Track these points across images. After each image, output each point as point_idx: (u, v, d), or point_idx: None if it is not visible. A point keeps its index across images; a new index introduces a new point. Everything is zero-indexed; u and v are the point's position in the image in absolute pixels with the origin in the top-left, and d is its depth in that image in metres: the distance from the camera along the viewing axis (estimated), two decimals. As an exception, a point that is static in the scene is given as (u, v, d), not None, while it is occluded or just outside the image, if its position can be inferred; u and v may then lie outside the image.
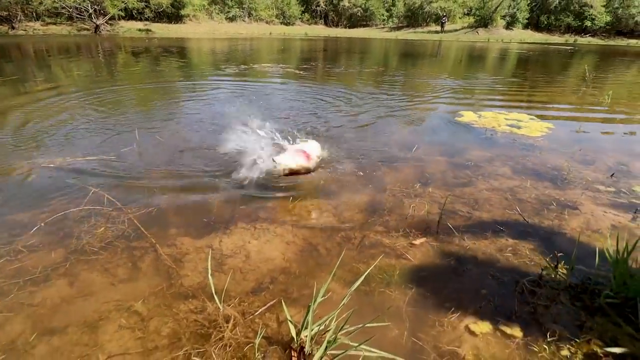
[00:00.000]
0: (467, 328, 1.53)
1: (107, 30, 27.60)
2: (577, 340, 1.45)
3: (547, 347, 1.43)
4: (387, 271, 1.88)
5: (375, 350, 1.33)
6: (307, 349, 1.33)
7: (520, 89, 7.70)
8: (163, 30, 29.77)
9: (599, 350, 1.40)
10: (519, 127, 4.48)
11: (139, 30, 28.76)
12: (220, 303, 1.60)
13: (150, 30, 28.86)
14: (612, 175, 3.08)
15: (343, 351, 1.33)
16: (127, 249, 2.05)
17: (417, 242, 2.13)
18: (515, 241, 2.15)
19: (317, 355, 1.29)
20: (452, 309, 1.63)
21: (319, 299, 1.43)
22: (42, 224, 2.24)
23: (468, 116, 4.99)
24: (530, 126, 4.52)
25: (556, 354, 1.40)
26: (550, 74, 10.65)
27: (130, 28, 28.88)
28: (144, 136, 3.88)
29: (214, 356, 1.36)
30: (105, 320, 1.59)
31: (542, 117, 5.00)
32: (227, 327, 1.53)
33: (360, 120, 4.71)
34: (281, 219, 2.37)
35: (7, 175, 2.92)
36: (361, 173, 3.08)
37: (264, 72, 9.31)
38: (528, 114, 5.13)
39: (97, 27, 26.95)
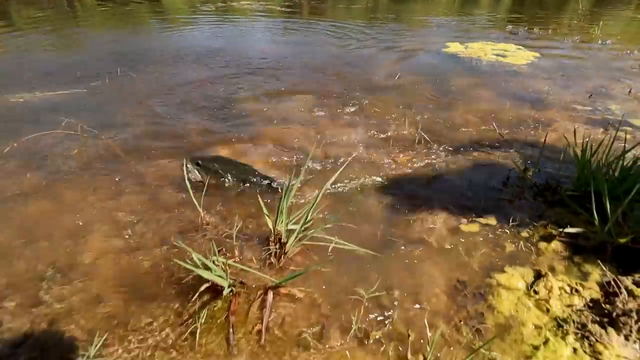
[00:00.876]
0: (434, 221, 1.64)
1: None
2: (535, 224, 1.58)
3: (508, 231, 1.55)
4: (365, 184, 1.95)
5: (344, 243, 1.41)
6: (283, 238, 1.42)
7: (511, 23, 7.49)
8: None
9: (554, 232, 1.53)
10: (504, 56, 4.43)
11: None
12: (201, 209, 1.66)
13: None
14: (590, 97, 3.13)
15: (316, 242, 1.43)
16: (105, 170, 2.07)
17: (399, 158, 2.19)
18: (489, 153, 2.23)
19: (290, 241, 1.38)
20: (425, 208, 1.73)
21: (292, 196, 1.49)
22: (15, 144, 2.22)
23: (454, 47, 4.89)
24: (517, 55, 4.48)
25: (517, 236, 1.53)
26: (545, 9, 10.31)
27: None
28: (116, 74, 3.73)
29: (197, 248, 1.44)
30: (89, 229, 1.65)
31: (529, 47, 4.93)
32: (208, 228, 1.60)
33: (348, 54, 4.58)
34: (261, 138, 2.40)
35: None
36: (348, 97, 3.07)
37: (243, 11, 8.78)
38: (515, 44, 5.04)
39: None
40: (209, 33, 5.80)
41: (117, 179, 1.98)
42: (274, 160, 2.16)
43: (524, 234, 1.54)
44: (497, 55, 4.49)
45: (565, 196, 1.70)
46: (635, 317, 1.11)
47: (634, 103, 3.04)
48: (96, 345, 1.09)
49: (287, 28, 6.40)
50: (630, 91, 3.28)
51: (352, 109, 2.87)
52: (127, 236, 1.60)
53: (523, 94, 3.24)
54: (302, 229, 1.39)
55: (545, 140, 2.06)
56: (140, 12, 7.66)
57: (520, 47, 4.91)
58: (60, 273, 1.44)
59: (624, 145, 1.74)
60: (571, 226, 1.55)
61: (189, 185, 1.62)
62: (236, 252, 1.40)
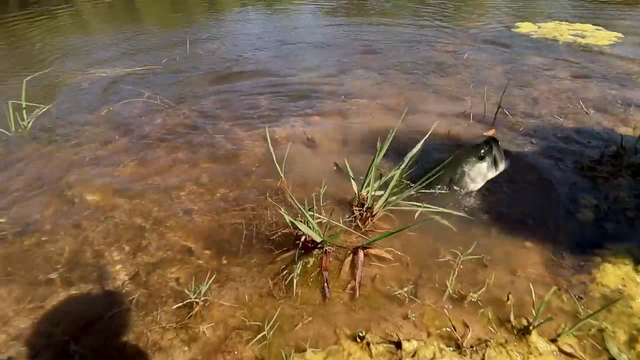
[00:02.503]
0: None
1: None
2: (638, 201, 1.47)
3: (607, 208, 1.46)
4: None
5: (432, 207, 1.40)
6: (367, 203, 1.44)
7: (583, 4, 6.89)
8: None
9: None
10: (583, 37, 4.09)
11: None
12: (282, 172, 1.72)
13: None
14: (688, 77, 2.83)
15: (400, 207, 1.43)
16: (186, 137, 2.20)
17: (490, 132, 2.12)
18: (575, 130, 2.10)
19: (379, 204, 1.40)
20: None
21: (379, 159, 1.50)
22: (110, 108, 2.44)
23: (526, 27, 4.60)
24: (596, 35, 4.12)
25: (617, 213, 1.43)
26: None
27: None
28: (185, 50, 3.93)
29: (282, 210, 1.48)
30: (178, 189, 1.78)
31: (610, 27, 4.52)
32: (288, 191, 1.66)
33: (409, 36, 4.47)
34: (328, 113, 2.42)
35: (65, 85, 3.10)
36: (420, 75, 3.02)
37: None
38: (593, 25, 4.64)
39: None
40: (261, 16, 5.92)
41: (198, 145, 2.11)
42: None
43: (627, 211, 1.44)
44: (575, 35, 4.16)
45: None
46: None
47: None
48: (206, 284, 1.18)
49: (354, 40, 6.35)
50: None
51: (427, 88, 2.81)
52: (212, 197, 1.71)
53: (608, 74, 2.99)
54: (389, 194, 1.40)
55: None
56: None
57: (599, 27, 4.51)
58: (156, 227, 1.56)
59: None
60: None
61: (271, 148, 1.69)
62: (322, 212, 1.44)
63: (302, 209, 1.27)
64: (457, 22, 5.12)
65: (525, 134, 2.09)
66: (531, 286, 1.09)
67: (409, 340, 0.99)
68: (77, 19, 5.97)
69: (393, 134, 1.52)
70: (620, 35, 4.17)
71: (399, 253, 1.30)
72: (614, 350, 0.96)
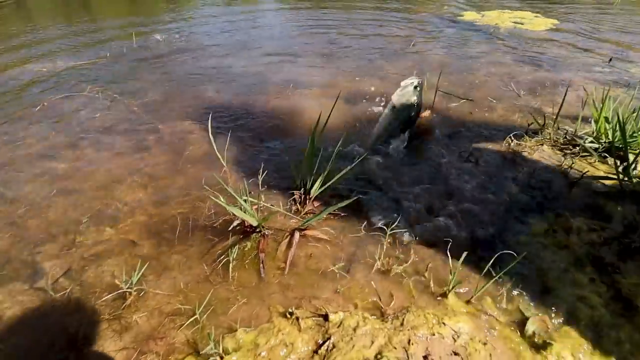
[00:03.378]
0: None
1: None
2: (556, 171, 1.60)
3: (532, 179, 1.57)
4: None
5: (365, 190, 1.45)
6: (308, 185, 1.47)
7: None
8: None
9: (572, 179, 1.55)
10: (522, 24, 4.31)
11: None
12: (224, 162, 1.71)
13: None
14: (609, 61, 3.06)
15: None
16: (129, 129, 2.12)
17: (423, 114, 2.19)
18: (506, 111, 2.22)
19: (315, 187, 1.43)
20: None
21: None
22: (45, 104, 2.30)
23: (470, 15, 4.77)
24: (534, 22, 4.36)
25: (537, 182, 1.55)
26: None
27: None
28: (131, 46, 3.75)
29: (221, 198, 1.48)
30: (117, 182, 1.72)
31: (547, 14, 4.78)
32: (232, 179, 1.66)
33: (362, 25, 4.51)
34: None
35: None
36: (364, 62, 3.06)
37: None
38: (532, 12, 4.90)
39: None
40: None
41: (140, 137, 2.04)
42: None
43: (545, 180, 1.56)
44: (515, 22, 4.37)
45: (588, 146, 1.71)
46: (654, 251, 1.14)
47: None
48: (137, 274, 1.16)
49: (304, 15, 6.29)
50: (652, 53, 3.19)
51: (371, 77, 2.86)
52: (154, 188, 1.67)
53: (541, 57, 3.18)
54: (328, 175, 1.44)
55: (564, 98, 2.04)
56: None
57: (538, 15, 4.76)
58: (94, 221, 1.51)
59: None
60: (591, 174, 1.56)
61: (212, 139, 1.67)
62: (262, 199, 1.45)
63: (235, 195, 1.27)
64: (409, 11, 5.21)
65: (461, 116, 2.19)
66: (449, 254, 1.16)
67: (336, 312, 1.04)
68: (21, 10, 5.54)
69: (328, 120, 1.54)
70: (555, 21, 4.43)
71: (333, 232, 1.34)
72: (524, 308, 1.05)
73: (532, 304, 1.05)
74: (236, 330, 1.02)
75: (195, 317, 1.06)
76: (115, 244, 1.40)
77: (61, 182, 1.73)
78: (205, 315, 1.07)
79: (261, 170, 1.52)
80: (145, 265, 1.22)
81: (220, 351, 0.97)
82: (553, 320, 1.00)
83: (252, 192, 1.40)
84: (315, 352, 0.95)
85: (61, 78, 2.86)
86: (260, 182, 1.53)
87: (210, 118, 1.90)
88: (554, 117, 1.96)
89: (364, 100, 2.41)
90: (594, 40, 3.69)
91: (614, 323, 0.99)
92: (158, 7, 6.12)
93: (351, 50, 3.46)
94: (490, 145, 1.85)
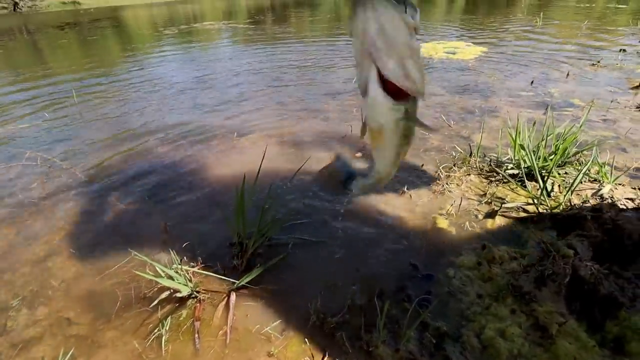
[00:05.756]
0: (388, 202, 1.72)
1: (28, 7, 24.65)
2: (481, 202, 1.68)
3: (457, 213, 1.64)
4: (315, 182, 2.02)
5: (303, 237, 1.47)
6: (244, 240, 1.46)
7: (462, 24, 7.83)
8: (92, 0, 26.94)
9: (496, 207, 1.63)
10: (454, 53, 4.64)
11: (63, 3, 25.91)
12: (163, 222, 1.68)
13: (77, 2, 26.10)
14: (532, 83, 3.33)
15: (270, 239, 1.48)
16: (68, 199, 2.05)
17: (358, 154, 2.27)
18: (440, 142, 2.35)
19: (250, 243, 1.43)
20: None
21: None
22: None
23: (409, 49, 5.07)
24: (466, 51, 4.70)
25: (464, 216, 1.62)
26: (495, 7, 10.83)
27: (52, 1, 25.94)
28: (78, 105, 3.70)
29: (159, 260, 1.44)
30: (55, 255, 1.64)
31: (478, 43, 5.18)
32: (169, 239, 1.62)
33: (311, 65, 4.69)
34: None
35: None
36: (308, 106, 3.15)
37: (207, 31, 8.83)
38: (465, 42, 5.29)
39: (15, 4, 24.02)
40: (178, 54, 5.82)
41: (77, 205, 1.98)
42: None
43: (473, 212, 1.64)
44: (448, 52, 4.70)
45: (506, 175, 1.82)
46: (564, 274, 1.21)
47: (571, 84, 3.25)
48: (66, 357, 1.10)
49: (252, 48, 6.49)
50: (567, 74, 3.50)
51: (312, 115, 2.95)
52: (93, 258, 1.61)
53: (470, 86, 3.42)
54: (262, 228, 1.44)
55: (482, 127, 2.18)
56: (105, 40, 7.58)
57: (470, 43, 5.15)
58: (26, 301, 1.43)
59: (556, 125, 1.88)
60: (511, 201, 1.66)
61: (148, 198, 1.65)
62: (199, 260, 1.43)
63: (158, 265, 1.25)
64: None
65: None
66: (376, 302, 1.19)
67: (268, 378, 1.01)
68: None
69: (258, 174, 1.57)
70: (484, 49, 4.79)
71: (271, 287, 1.34)
72: (449, 348, 1.07)
73: (455, 344, 1.07)
74: (165, 413, 0.98)
75: (122, 403, 1.00)
76: (49, 325, 1.33)
77: (-8, 264, 1.63)
78: (135, 400, 1.02)
79: (198, 228, 1.51)
80: (72, 349, 1.16)
81: None
82: (475, 358, 1.03)
83: (186, 257, 1.38)
84: None
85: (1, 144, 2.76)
86: (197, 243, 1.52)
87: (150, 180, 1.89)
88: (478, 145, 2.09)
89: (308, 143, 2.47)
90: (517, 65, 4.01)
91: (533, 353, 1.03)
92: (110, 58, 6.10)
93: (294, 90, 3.57)
94: (424, 180, 1.94)
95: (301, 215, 1.72)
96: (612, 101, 2.82)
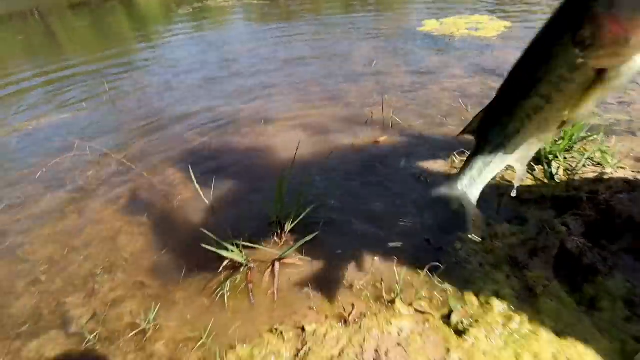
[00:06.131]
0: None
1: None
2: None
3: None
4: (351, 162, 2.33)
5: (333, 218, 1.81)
6: (282, 220, 1.81)
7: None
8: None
9: (502, 190, 1.91)
10: (477, 30, 4.73)
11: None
12: (208, 201, 2.04)
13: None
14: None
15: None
16: (122, 183, 2.45)
17: (381, 139, 2.56)
18: (456, 127, 2.60)
19: (288, 223, 1.78)
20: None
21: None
22: (44, 169, 2.61)
23: (429, 25, 5.18)
24: (489, 27, 4.78)
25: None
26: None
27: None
28: (109, 92, 4.08)
29: (214, 233, 1.81)
30: (120, 233, 2.05)
31: (502, 17, 5.22)
32: (219, 217, 1.99)
33: (327, 45, 4.89)
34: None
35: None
36: (328, 90, 3.43)
37: (222, 9, 9.01)
38: (489, 16, 5.33)
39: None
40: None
41: (131, 189, 2.37)
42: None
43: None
44: (470, 29, 4.79)
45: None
46: (553, 247, 1.50)
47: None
48: (153, 312, 1.49)
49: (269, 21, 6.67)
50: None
51: (333, 100, 3.22)
52: (152, 234, 2.00)
53: (492, 66, 3.58)
54: (298, 209, 1.78)
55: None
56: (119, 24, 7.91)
57: (493, 17, 5.20)
58: (106, 270, 1.83)
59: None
60: (538, 188, 1.94)
61: (195, 181, 2.01)
62: (245, 236, 1.79)
63: (220, 242, 1.61)
64: (375, 25, 5.61)
65: (415, 136, 2.56)
66: (395, 269, 1.52)
67: (310, 324, 1.38)
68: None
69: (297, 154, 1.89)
70: (508, 24, 4.86)
71: (308, 258, 1.69)
72: (452, 303, 1.40)
73: (458, 300, 1.40)
74: (235, 347, 1.36)
75: (202, 341, 1.39)
76: (128, 288, 1.73)
77: (71, 241, 2.05)
78: (210, 339, 1.40)
79: (245, 212, 1.87)
80: (153, 304, 1.55)
81: (224, 365, 1.30)
82: (473, 311, 1.35)
83: (237, 233, 1.74)
84: (296, 356, 1.28)
85: (48, 135, 3.18)
86: (242, 223, 1.88)
87: (190, 168, 2.25)
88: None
89: (334, 130, 2.77)
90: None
91: (521, 308, 1.35)
92: (127, 41, 6.44)
93: (313, 74, 3.82)
94: (438, 165, 2.22)
95: (331, 197, 2.05)
96: (631, 81, 2.96)
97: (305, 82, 3.69)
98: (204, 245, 1.61)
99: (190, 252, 1.83)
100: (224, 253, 1.59)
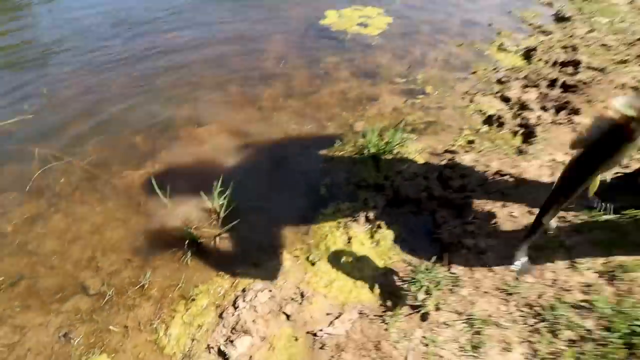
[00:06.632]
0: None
1: None
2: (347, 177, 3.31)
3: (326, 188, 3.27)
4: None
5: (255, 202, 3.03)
6: (218, 210, 2.98)
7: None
8: None
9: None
10: (366, 26, 5.86)
11: None
12: (166, 198, 3.12)
13: None
14: (408, 68, 4.82)
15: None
16: (91, 188, 3.37)
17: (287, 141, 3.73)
18: (335, 129, 3.86)
19: (221, 212, 2.96)
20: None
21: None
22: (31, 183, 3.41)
23: (330, 18, 6.14)
24: (375, 23, 5.92)
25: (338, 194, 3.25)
26: None
27: None
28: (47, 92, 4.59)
29: (169, 223, 2.94)
30: (103, 227, 3.05)
31: (387, 11, 6.36)
32: (174, 210, 3.10)
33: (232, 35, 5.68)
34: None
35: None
36: (241, 90, 4.43)
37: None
38: (378, 7, 6.42)
39: None
40: None
41: (100, 191, 3.32)
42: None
43: (345, 187, 3.27)
44: (360, 24, 5.89)
45: (367, 155, 3.42)
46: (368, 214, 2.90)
47: (435, 70, 4.79)
48: (148, 274, 2.64)
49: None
50: (436, 59, 5.02)
51: (254, 103, 4.27)
52: (128, 226, 3.05)
53: (368, 69, 4.80)
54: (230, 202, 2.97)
55: (363, 115, 3.71)
56: None
57: (381, 11, 6.33)
58: (100, 253, 2.88)
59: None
60: (368, 177, 3.30)
61: (158, 190, 3.06)
62: (196, 221, 2.94)
63: (179, 227, 2.77)
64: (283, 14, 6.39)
65: (308, 137, 3.78)
66: (284, 233, 2.83)
67: (240, 270, 2.65)
68: None
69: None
70: (390, 20, 6.04)
71: (236, 233, 2.92)
72: (312, 250, 2.75)
73: (315, 247, 2.76)
74: (199, 286, 2.58)
75: (179, 285, 2.59)
76: (120, 264, 2.81)
77: (66, 236, 3.01)
78: (183, 284, 2.61)
79: (193, 204, 3.00)
80: (144, 269, 2.69)
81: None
82: (320, 253, 2.72)
83: (190, 220, 2.89)
84: (232, 285, 2.55)
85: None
86: (192, 213, 3.02)
87: (147, 168, 3.25)
88: (357, 131, 3.65)
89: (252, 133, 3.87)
90: (408, 43, 5.41)
91: (344, 247, 2.74)
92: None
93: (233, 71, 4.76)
94: (305, 163, 3.50)
95: (249, 189, 3.24)
96: (452, 87, 4.43)
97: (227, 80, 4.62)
98: (186, 229, 2.75)
99: (159, 236, 2.95)
100: (187, 235, 2.75)
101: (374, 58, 5.05)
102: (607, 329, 1.97)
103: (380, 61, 4.99)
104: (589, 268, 2.29)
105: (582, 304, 2.13)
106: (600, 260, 2.32)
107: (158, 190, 3.02)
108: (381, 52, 5.19)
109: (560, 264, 2.36)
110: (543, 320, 2.09)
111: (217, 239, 2.87)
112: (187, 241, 2.84)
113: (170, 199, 3.19)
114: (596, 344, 1.92)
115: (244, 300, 2.42)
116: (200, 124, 4.03)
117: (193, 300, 2.52)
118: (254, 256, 2.76)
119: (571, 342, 1.98)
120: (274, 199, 3.20)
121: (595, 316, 2.05)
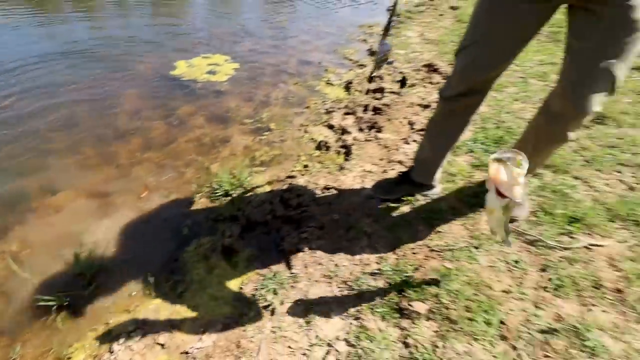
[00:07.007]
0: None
1: None
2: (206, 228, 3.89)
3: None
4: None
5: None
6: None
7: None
8: None
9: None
10: (214, 73, 6.58)
11: None
12: (26, 273, 3.25)
13: None
14: (255, 109, 5.66)
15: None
16: None
17: (143, 195, 4.12)
18: (193, 176, 4.41)
19: (88, 273, 3.25)
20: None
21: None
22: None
23: (180, 68, 6.72)
24: (222, 70, 6.69)
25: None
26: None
27: None
28: None
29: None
30: None
31: (233, 57, 7.22)
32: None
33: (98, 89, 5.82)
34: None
35: None
36: (96, 150, 4.66)
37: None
38: (224, 55, 7.23)
39: None
40: None
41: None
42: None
43: (204, 224, 3.82)
44: (209, 72, 6.59)
45: (222, 192, 4.04)
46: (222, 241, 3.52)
47: (277, 108, 5.72)
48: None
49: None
50: (278, 97, 5.98)
51: (110, 164, 4.54)
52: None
53: (219, 114, 5.49)
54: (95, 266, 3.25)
55: (218, 157, 4.34)
56: None
57: (228, 58, 7.15)
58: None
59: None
60: (224, 212, 3.91)
61: (14, 267, 3.17)
62: (64, 288, 3.16)
63: (46, 297, 2.99)
64: (134, 66, 6.71)
65: (161, 196, 4.25)
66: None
67: (130, 307, 2.99)
68: None
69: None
70: (237, 66, 6.88)
71: (110, 286, 3.23)
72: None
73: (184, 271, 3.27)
74: (73, 344, 2.85)
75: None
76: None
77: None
78: (56, 346, 2.84)
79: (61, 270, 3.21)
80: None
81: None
82: (200, 276, 3.23)
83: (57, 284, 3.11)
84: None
85: None
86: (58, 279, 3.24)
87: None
88: (213, 172, 4.25)
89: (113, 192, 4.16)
90: (256, 86, 6.28)
91: (217, 266, 3.30)
92: None
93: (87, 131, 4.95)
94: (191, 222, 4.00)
95: (112, 247, 3.56)
96: (291, 121, 5.38)
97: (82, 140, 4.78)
98: (39, 303, 2.94)
99: (25, 310, 3.08)
100: (51, 301, 2.98)
101: (224, 103, 5.78)
102: (389, 284, 2.94)
103: (229, 105, 5.73)
104: (382, 246, 3.29)
105: (376, 271, 3.08)
106: (390, 238, 3.36)
107: (15, 267, 3.15)
108: (230, 96, 5.95)
109: (365, 247, 3.32)
110: (351, 289, 2.97)
111: (87, 298, 3.14)
112: (54, 307, 3.04)
113: (32, 272, 3.32)
114: (380, 297, 2.86)
115: (118, 344, 2.78)
116: (55, 192, 4.15)
117: (69, 358, 2.77)
118: (125, 304, 3.12)
119: (370, 300, 2.89)
120: (139, 249, 3.59)
121: (384, 277, 3.02)
